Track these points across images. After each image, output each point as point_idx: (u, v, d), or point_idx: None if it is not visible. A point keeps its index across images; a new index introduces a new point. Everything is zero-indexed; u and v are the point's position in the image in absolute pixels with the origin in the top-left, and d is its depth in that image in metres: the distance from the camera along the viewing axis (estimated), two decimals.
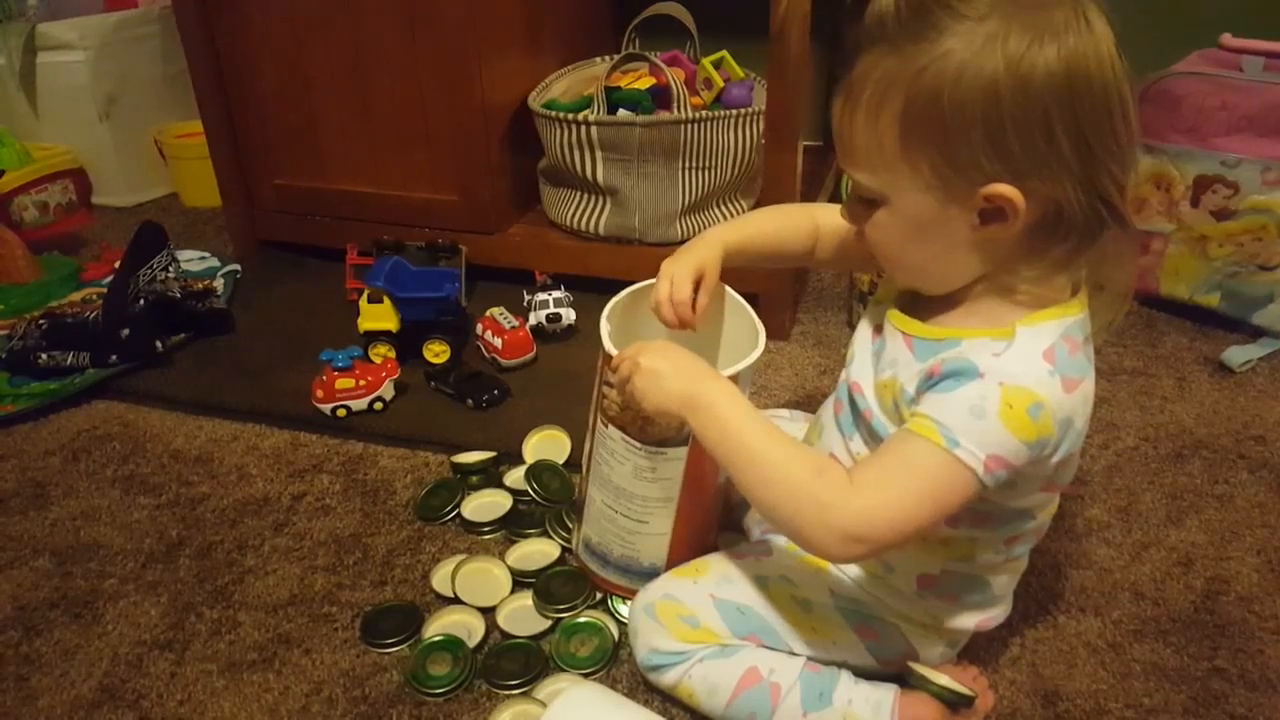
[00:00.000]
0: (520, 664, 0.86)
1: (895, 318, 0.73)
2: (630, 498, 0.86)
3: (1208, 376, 1.30)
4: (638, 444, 0.82)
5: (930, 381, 0.66)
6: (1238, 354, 1.31)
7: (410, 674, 0.85)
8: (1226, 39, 1.37)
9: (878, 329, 0.76)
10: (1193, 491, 1.07)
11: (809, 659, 0.79)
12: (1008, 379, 0.63)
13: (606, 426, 0.84)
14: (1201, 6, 1.60)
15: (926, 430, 0.64)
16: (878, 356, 0.75)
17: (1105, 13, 0.61)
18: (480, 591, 0.94)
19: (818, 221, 0.89)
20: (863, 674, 0.79)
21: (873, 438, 0.74)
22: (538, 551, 0.99)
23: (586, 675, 0.85)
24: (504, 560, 0.98)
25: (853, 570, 0.80)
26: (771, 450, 0.68)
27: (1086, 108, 0.60)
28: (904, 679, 0.79)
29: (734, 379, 0.77)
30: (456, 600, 0.94)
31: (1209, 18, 1.49)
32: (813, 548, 0.68)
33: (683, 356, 0.75)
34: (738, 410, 0.70)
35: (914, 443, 0.65)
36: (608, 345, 0.81)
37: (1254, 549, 0.98)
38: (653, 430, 0.81)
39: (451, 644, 0.87)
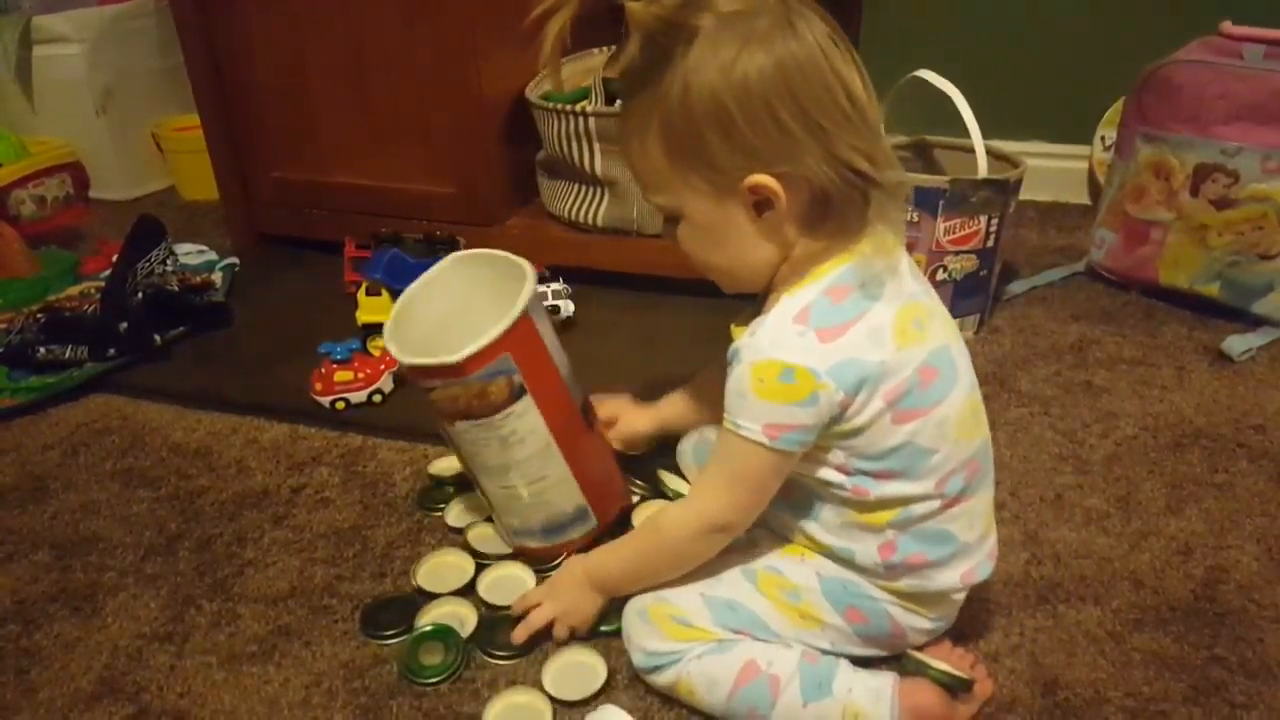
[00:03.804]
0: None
1: (733, 331, 0.78)
2: (516, 466, 0.89)
3: (1207, 366, 1.30)
4: (485, 419, 0.85)
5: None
6: (1237, 343, 1.31)
7: (404, 665, 0.85)
8: (1227, 26, 1.37)
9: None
10: (1192, 480, 1.07)
11: (804, 649, 0.79)
12: (756, 355, 0.71)
13: (452, 424, 0.88)
14: None
15: (725, 421, 0.74)
16: None
17: (817, 12, 0.69)
18: (446, 581, 0.95)
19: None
20: (854, 660, 0.79)
21: None
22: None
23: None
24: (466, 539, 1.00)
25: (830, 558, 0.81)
26: (644, 553, 0.84)
27: (805, 91, 0.66)
28: (901, 665, 0.79)
29: (525, 316, 0.83)
30: (422, 591, 0.94)
31: (1209, 5, 1.49)
32: (700, 555, 0.80)
33: (568, 581, 0.87)
34: (616, 560, 0.85)
35: (722, 436, 0.75)
36: (404, 360, 0.85)
37: (1253, 537, 0.98)
38: (489, 401, 0.84)
39: (442, 633, 0.87)
